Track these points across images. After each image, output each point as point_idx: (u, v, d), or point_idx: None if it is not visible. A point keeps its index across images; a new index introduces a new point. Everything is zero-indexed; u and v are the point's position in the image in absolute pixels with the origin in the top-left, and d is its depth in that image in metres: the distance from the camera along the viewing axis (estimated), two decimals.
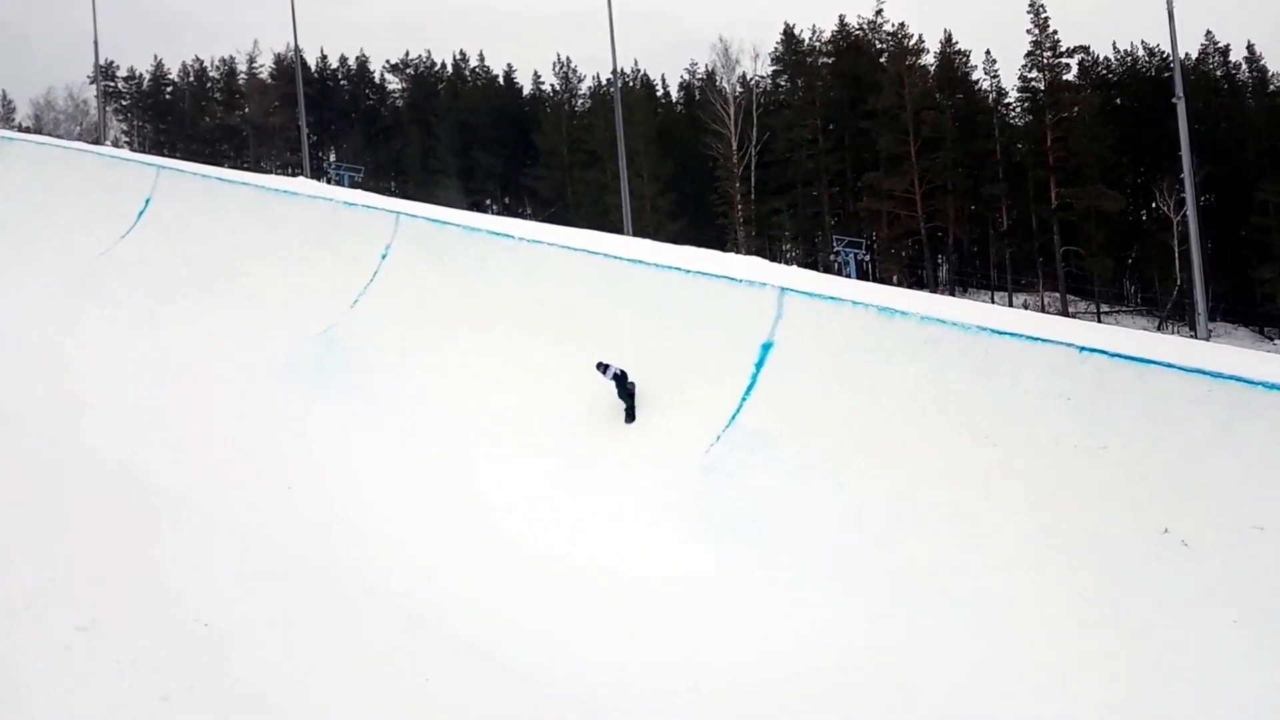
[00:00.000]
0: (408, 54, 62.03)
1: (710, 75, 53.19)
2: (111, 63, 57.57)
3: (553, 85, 57.83)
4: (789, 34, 52.67)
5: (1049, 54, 47.32)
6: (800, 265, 35.82)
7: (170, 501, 3.73)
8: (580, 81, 56.98)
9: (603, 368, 7.56)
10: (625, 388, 7.60)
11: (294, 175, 24.57)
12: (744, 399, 7.39)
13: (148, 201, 11.95)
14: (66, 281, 10.87)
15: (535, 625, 4.98)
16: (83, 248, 11.44)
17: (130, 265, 11.05)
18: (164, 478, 5.17)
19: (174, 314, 9.96)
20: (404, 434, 7.81)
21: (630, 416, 7.60)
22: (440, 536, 6.28)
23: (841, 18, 51.67)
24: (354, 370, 8.86)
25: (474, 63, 61.75)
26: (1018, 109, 49.87)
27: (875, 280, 37.66)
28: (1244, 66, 50.11)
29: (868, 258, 43.73)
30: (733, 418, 7.30)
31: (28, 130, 48.98)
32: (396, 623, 2.99)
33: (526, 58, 69.85)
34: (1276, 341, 41.93)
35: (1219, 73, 50.27)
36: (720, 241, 43.71)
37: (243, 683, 2.31)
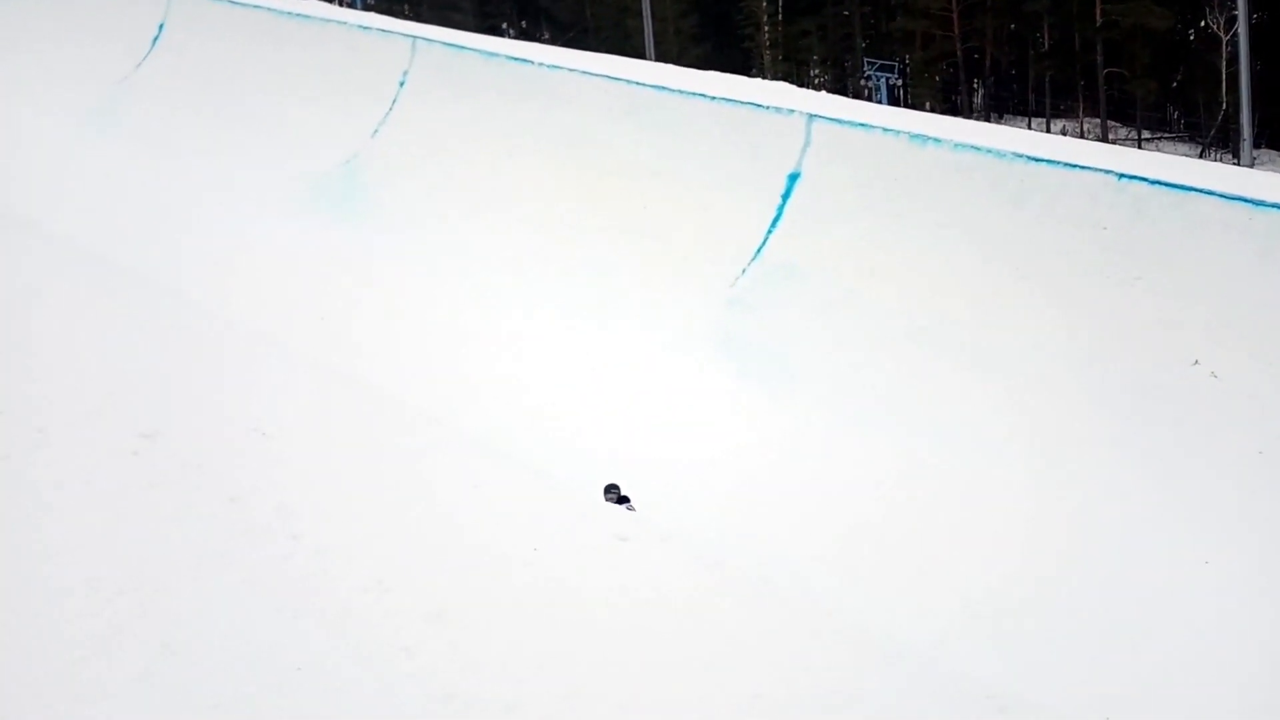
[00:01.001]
0: None
1: None
2: None
3: None
4: None
5: None
6: (829, 90, 34.74)
7: (214, 322, 3.84)
8: None
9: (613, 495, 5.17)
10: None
11: None
12: (770, 231, 7.26)
13: (161, 27, 11.62)
14: (87, 110, 10.74)
15: (552, 440, 5.06)
16: (101, 75, 11.23)
17: (147, 94, 10.88)
18: (204, 299, 5.29)
19: (194, 143, 9.86)
20: (428, 263, 7.83)
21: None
22: (462, 360, 6.38)
23: None
24: (376, 200, 8.81)
25: None
26: None
27: (907, 106, 36.53)
28: None
29: (900, 83, 42.24)
30: (758, 250, 7.19)
31: None
32: (429, 434, 3.14)
33: None
34: None
35: None
36: (746, 66, 42.31)
37: (301, 485, 2.44)
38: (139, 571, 1.98)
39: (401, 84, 9.73)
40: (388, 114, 9.60)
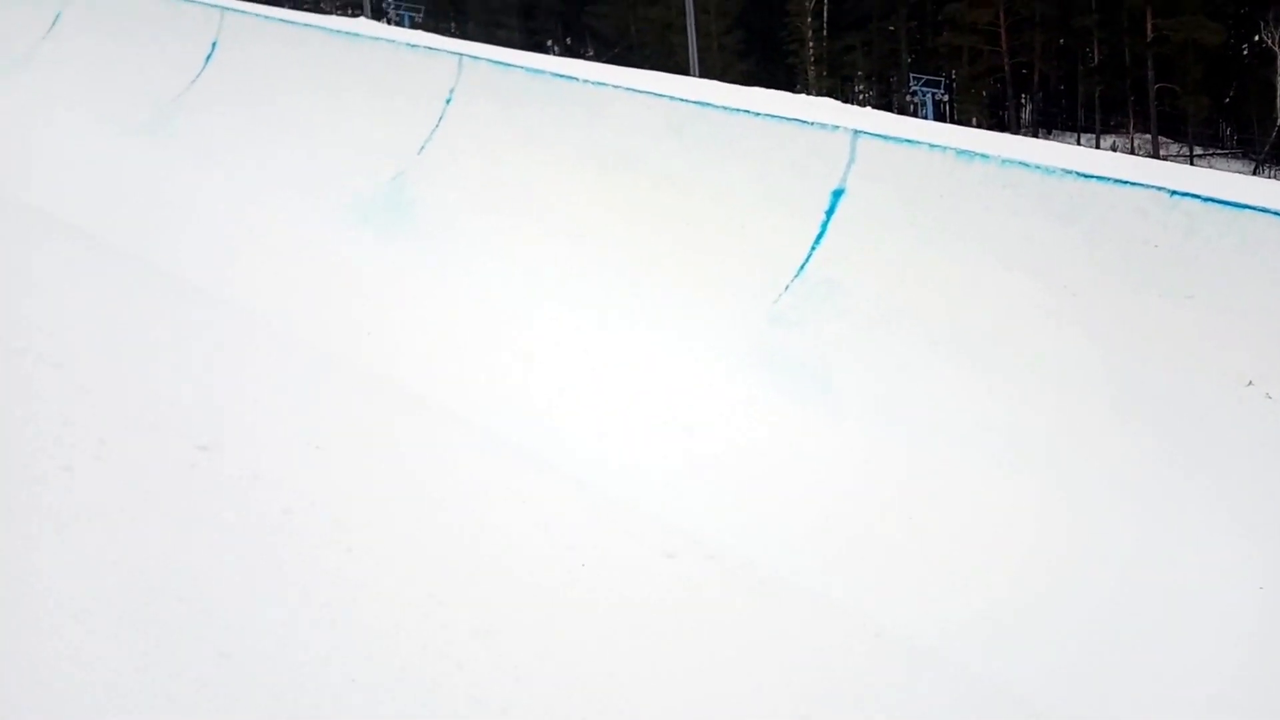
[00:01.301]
0: None
1: None
2: None
3: None
4: None
5: None
6: (874, 106, 34.59)
7: (267, 334, 3.92)
8: None
9: None
10: None
11: (354, 15, 24.22)
12: (813, 248, 7.24)
13: (214, 45, 11.89)
14: (140, 126, 10.99)
15: (599, 453, 5.08)
16: (156, 92, 11.50)
17: (199, 110, 11.12)
18: (257, 311, 5.39)
19: (245, 158, 10.06)
20: (474, 276, 7.91)
21: None
22: (509, 373, 6.43)
23: None
24: (422, 217, 8.91)
25: None
26: None
27: (954, 122, 36.31)
28: None
29: (946, 98, 42.00)
30: (802, 267, 7.18)
31: None
32: (479, 447, 3.18)
33: None
34: None
35: None
36: (790, 82, 42.34)
37: (353, 498, 2.49)
38: (196, 582, 2.02)
39: (448, 101, 9.85)
40: (434, 130, 9.72)
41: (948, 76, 43.22)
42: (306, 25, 11.83)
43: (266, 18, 12.66)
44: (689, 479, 5.27)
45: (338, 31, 11.52)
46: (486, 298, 7.68)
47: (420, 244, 8.48)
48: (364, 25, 12.04)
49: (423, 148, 9.79)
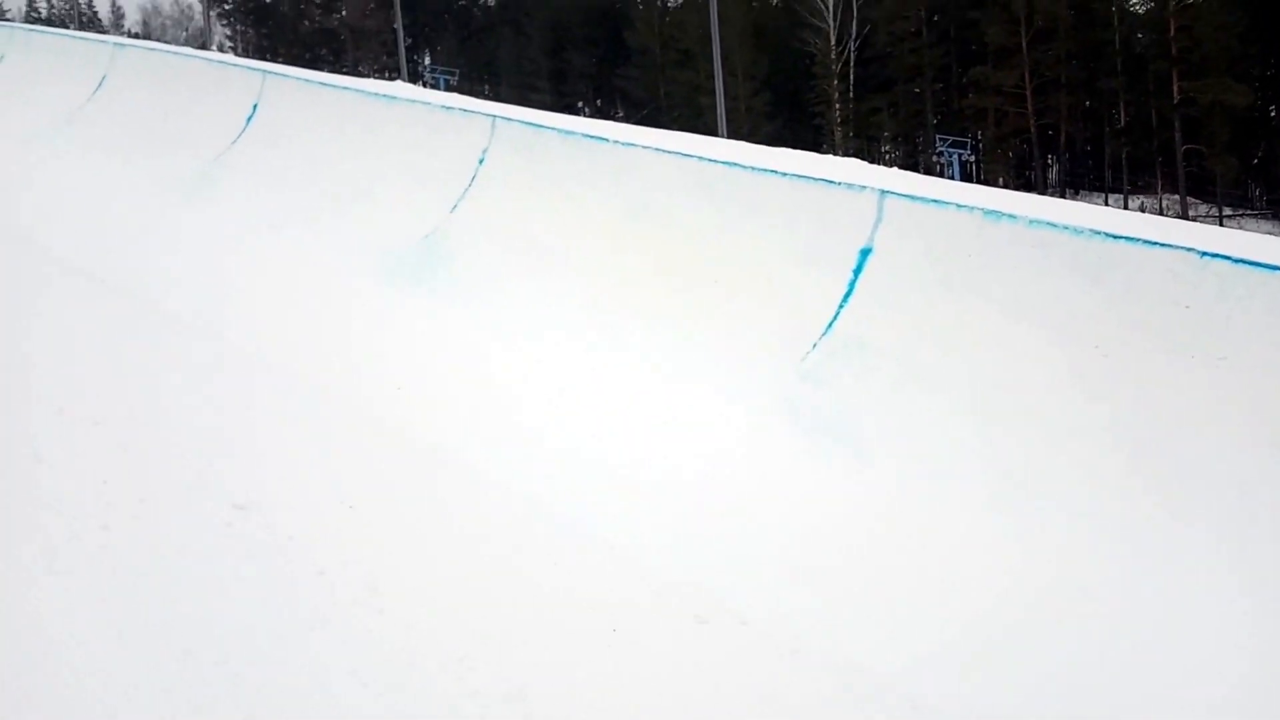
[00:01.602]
0: None
1: None
2: None
3: None
4: None
5: None
6: (900, 167, 34.80)
7: (304, 391, 3.97)
8: None
9: None
10: None
11: (390, 79, 24.73)
12: (841, 306, 7.25)
13: (255, 107, 12.19)
14: (182, 185, 11.28)
15: (630, 514, 5.07)
16: (199, 151, 11.79)
17: (243, 168, 11.39)
18: (292, 367, 5.46)
19: (282, 216, 10.26)
20: (502, 334, 7.97)
21: None
22: (537, 431, 6.44)
23: None
24: (454, 275, 9.02)
25: None
26: None
27: (980, 182, 36.43)
28: None
29: (972, 158, 42.24)
30: (830, 325, 7.19)
31: (137, 36, 50.08)
32: (512, 509, 3.18)
33: None
34: None
35: None
36: (816, 143, 42.74)
37: (387, 559, 2.52)
38: (232, 643, 2.03)
39: (481, 161, 10.02)
40: (467, 190, 9.88)
41: (974, 138, 43.46)
42: (345, 88, 12.13)
43: (306, 80, 13.00)
44: (720, 542, 5.23)
45: (375, 94, 11.79)
46: (519, 355, 7.73)
47: (452, 301, 8.58)
48: (400, 88, 12.32)
49: (455, 206, 9.93)
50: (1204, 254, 6.26)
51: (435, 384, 7.17)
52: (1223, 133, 41.07)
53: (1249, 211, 42.93)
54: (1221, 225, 35.65)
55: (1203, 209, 42.37)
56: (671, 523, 5.33)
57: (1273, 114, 45.43)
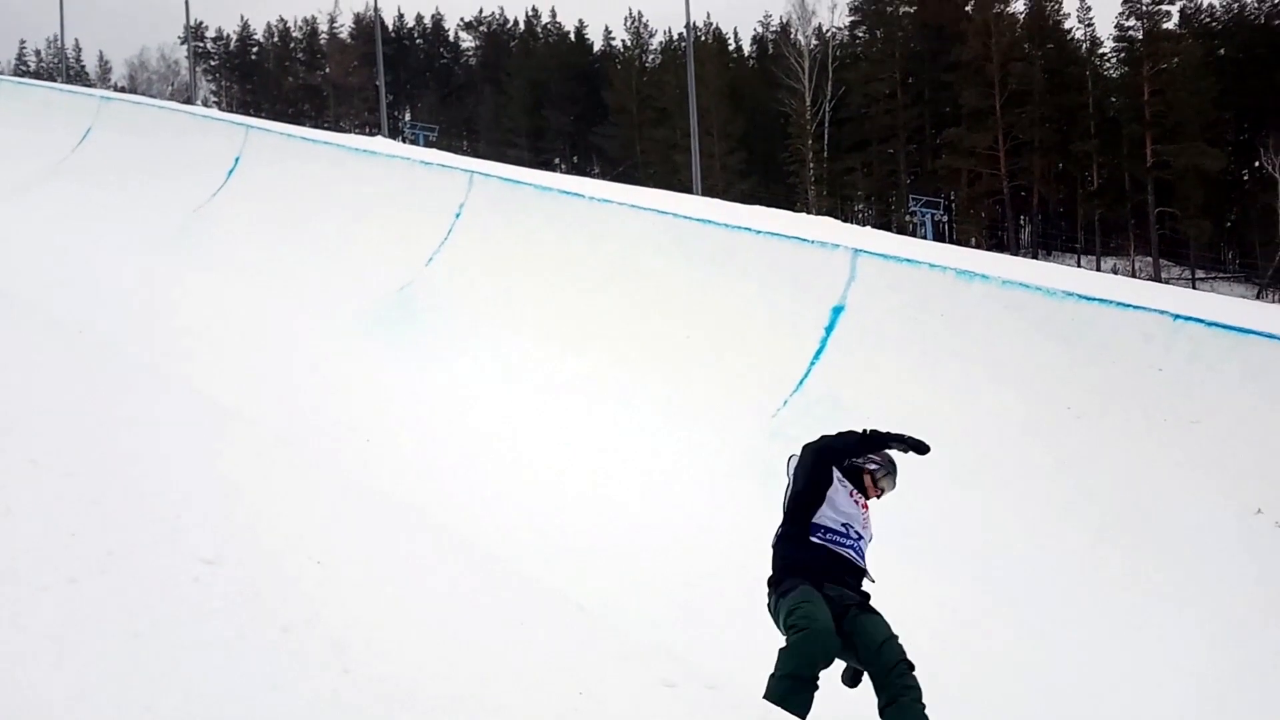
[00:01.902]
0: (481, 11, 62.44)
1: (785, 27, 52.30)
2: (201, 23, 59.22)
3: (623, 41, 57.54)
4: None
5: (1148, 1, 45.24)
6: (873, 226, 35.22)
7: (275, 444, 3.94)
8: (651, 37, 56.65)
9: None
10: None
11: (372, 134, 24.96)
12: (813, 363, 7.29)
13: (237, 160, 12.25)
14: (164, 235, 11.25)
15: (597, 575, 5.04)
16: (180, 203, 11.81)
17: (222, 221, 11.40)
18: (265, 420, 5.44)
19: (260, 268, 10.25)
20: (475, 390, 7.94)
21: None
22: (505, 487, 6.40)
23: None
24: (428, 327, 9.01)
25: (545, 19, 61.74)
26: (1113, 60, 47.86)
27: (953, 243, 36.88)
28: None
29: (945, 219, 42.82)
30: (801, 382, 7.21)
31: (123, 90, 50.39)
32: (476, 565, 3.16)
33: (598, 14, 69.83)
34: None
35: None
36: (790, 201, 43.18)
37: (353, 617, 2.47)
38: (195, 702, 1.99)
39: (458, 215, 10.07)
40: (443, 243, 9.91)
41: (947, 198, 44.03)
42: (326, 143, 12.25)
43: (288, 135, 13.08)
44: (688, 605, 5.19)
45: (356, 149, 11.88)
46: (491, 411, 7.69)
47: (425, 354, 8.54)
48: (381, 143, 12.42)
49: (431, 259, 9.96)
50: (1177, 317, 6.33)
51: (407, 438, 7.12)
52: (1196, 196, 41.73)
53: (1222, 275, 43.55)
54: (1195, 288, 36.18)
55: (1176, 272, 42.99)
56: (641, 585, 5.27)
57: (1245, 178, 46.27)
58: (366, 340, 8.87)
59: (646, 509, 6.32)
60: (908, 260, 7.54)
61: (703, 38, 51.95)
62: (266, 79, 62.00)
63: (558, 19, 61.01)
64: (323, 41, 61.47)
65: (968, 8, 48.54)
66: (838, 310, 7.56)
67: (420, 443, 7.05)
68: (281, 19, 63.21)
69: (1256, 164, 43.77)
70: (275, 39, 63.18)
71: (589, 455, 6.98)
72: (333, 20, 61.11)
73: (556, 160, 55.03)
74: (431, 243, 9.96)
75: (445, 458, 6.81)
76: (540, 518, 5.99)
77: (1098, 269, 37.93)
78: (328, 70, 59.60)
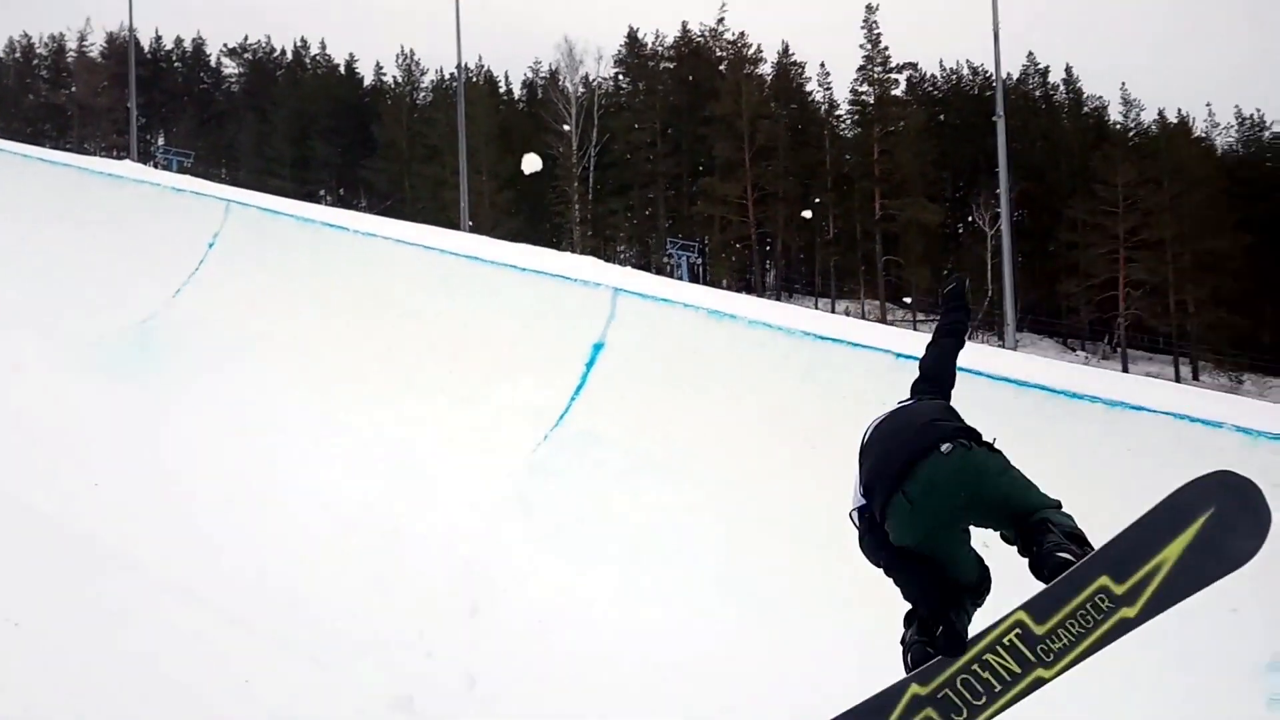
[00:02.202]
0: (246, 38, 59.74)
1: (554, 74, 53.23)
2: None
3: (395, 78, 56.74)
4: (633, 37, 53.34)
5: (879, 69, 49.52)
6: (634, 266, 36.20)
7: None
8: (423, 75, 56.13)
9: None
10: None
11: (120, 158, 23.18)
12: (573, 399, 7.45)
13: None
14: None
15: (369, 607, 4.91)
16: None
17: None
18: None
19: None
20: (223, 427, 7.54)
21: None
22: (264, 525, 6.11)
23: (684, 24, 52.74)
24: (174, 361, 8.51)
25: (315, 51, 59.99)
26: (848, 121, 51.97)
27: (706, 284, 38.48)
28: (1062, 88, 53.60)
29: (699, 261, 44.66)
30: (561, 417, 7.35)
31: None
32: (218, 611, 2.97)
33: (369, 50, 68.50)
34: (1078, 351, 45.11)
35: (1038, 93, 53.68)
36: (556, 240, 43.85)
37: (58, 687, 2.27)
38: None
39: (211, 245, 9.60)
40: (193, 274, 9.41)
41: (701, 241, 46.09)
42: (64, 164, 11.38)
43: (11, 153, 12.02)
44: (451, 645, 5.11)
45: (98, 172, 11.08)
46: (231, 449, 7.29)
47: (165, 393, 7.99)
48: (128, 167, 11.65)
49: (179, 291, 9.41)
50: (899, 355, 6.94)
51: (135, 483, 6.57)
52: (917, 246, 45.91)
53: (939, 318, 47.75)
54: (916, 329, 39.43)
55: (899, 314, 46.77)
56: (385, 624, 5.13)
57: (960, 231, 51.17)
58: (98, 380, 8.19)
59: (406, 550, 6.19)
60: (664, 300, 7.87)
61: (474, 79, 52.05)
62: (4, 95, 56.61)
63: (328, 51, 59.29)
64: (70, 60, 56.98)
65: (721, 67, 51.35)
66: (598, 347, 7.77)
67: (153, 486, 6.44)
68: (25, 34, 58.15)
69: (970, 219, 48.54)
70: (17, 55, 58.03)
71: (344, 493, 6.76)
72: (82, 38, 56.85)
73: (322, 192, 53.20)
74: (181, 273, 9.45)
75: (178, 503, 6.25)
76: (274, 570, 5.61)
77: (833, 310, 40.69)
78: (74, 89, 55.21)
